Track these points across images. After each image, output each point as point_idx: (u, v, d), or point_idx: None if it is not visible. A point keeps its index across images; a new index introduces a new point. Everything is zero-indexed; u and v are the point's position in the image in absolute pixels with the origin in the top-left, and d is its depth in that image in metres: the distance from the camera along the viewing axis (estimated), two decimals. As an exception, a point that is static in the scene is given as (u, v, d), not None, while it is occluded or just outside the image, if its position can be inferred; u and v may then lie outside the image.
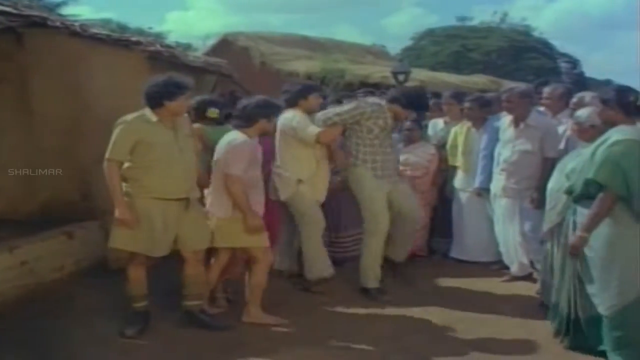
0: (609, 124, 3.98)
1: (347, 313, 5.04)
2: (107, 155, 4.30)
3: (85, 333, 4.55)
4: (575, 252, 3.93)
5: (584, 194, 3.91)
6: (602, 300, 3.85)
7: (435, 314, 5.00)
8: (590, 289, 3.93)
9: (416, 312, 5.03)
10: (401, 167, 6.04)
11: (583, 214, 3.93)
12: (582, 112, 4.56)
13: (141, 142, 4.29)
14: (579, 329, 4.08)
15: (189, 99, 4.49)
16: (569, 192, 4.07)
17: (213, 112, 5.21)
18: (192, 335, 4.54)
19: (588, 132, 4.41)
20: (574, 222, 4.02)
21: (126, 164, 4.34)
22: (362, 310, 5.04)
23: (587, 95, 5.24)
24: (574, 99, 5.37)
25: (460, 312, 5.00)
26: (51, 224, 5.81)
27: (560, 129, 5.51)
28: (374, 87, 12.50)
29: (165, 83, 4.34)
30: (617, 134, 3.82)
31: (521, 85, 6.70)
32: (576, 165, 4.08)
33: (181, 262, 4.61)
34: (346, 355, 4.27)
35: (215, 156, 4.67)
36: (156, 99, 4.33)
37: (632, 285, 3.75)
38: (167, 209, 4.41)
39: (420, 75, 17.01)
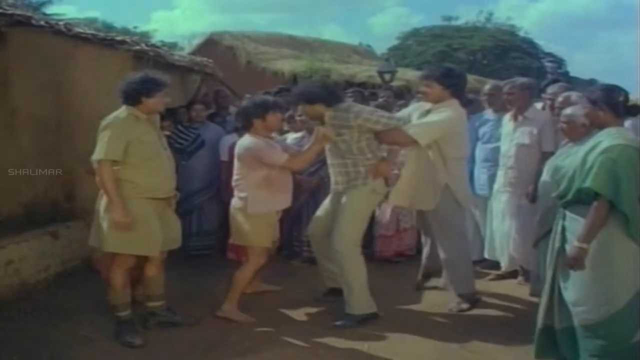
0: (597, 125, 3.89)
1: (331, 312, 5.01)
2: (100, 156, 4.20)
3: (70, 333, 4.53)
4: (576, 264, 3.74)
5: (575, 200, 3.83)
6: (588, 309, 3.77)
7: (422, 313, 5.04)
8: (571, 297, 3.86)
9: (403, 310, 5.06)
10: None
11: (572, 218, 3.86)
12: (574, 110, 4.54)
13: (133, 141, 4.24)
14: (549, 339, 4.02)
15: (165, 96, 4.43)
16: (560, 197, 3.98)
17: None
18: (175, 335, 4.54)
19: (579, 131, 4.37)
20: (563, 227, 3.95)
21: (118, 165, 4.25)
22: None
23: (573, 95, 5.26)
24: (560, 98, 5.37)
25: (446, 311, 5.03)
26: (35, 224, 5.79)
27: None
28: (360, 87, 12.52)
29: (143, 80, 4.31)
30: (607, 138, 3.73)
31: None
32: (566, 170, 3.97)
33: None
34: (330, 355, 4.27)
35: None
36: (134, 96, 4.28)
37: (621, 293, 3.70)
38: (157, 208, 4.41)
39: (406, 75, 17.04)
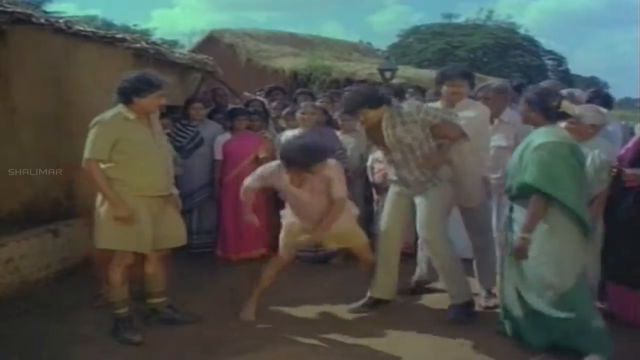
0: (531, 124, 4.18)
1: (332, 311, 5.03)
2: (87, 155, 4.21)
3: (69, 331, 4.53)
4: (519, 254, 4.06)
5: (519, 194, 4.10)
6: (535, 295, 4.04)
7: (422, 311, 5.04)
8: (519, 284, 4.12)
9: (402, 308, 5.05)
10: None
11: (519, 210, 4.12)
12: (582, 110, 4.56)
13: (121, 140, 4.23)
14: (516, 326, 4.25)
15: (160, 97, 4.38)
16: (506, 191, 4.24)
17: None
18: (176, 333, 4.53)
19: (587, 132, 4.45)
20: (510, 219, 4.21)
21: (106, 164, 4.27)
22: (346, 308, 5.03)
23: (576, 91, 5.27)
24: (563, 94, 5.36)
25: (446, 308, 5.02)
26: (35, 222, 5.79)
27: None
28: (360, 85, 12.51)
29: (137, 79, 4.28)
30: (538, 137, 4.02)
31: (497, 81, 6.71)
32: (508, 167, 4.27)
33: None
34: (330, 353, 4.26)
35: None
36: (126, 95, 4.27)
37: (564, 278, 3.94)
38: (152, 206, 4.40)
39: (406, 73, 17.03)
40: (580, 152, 4.09)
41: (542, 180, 3.93)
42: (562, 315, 3.94)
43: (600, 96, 5.61)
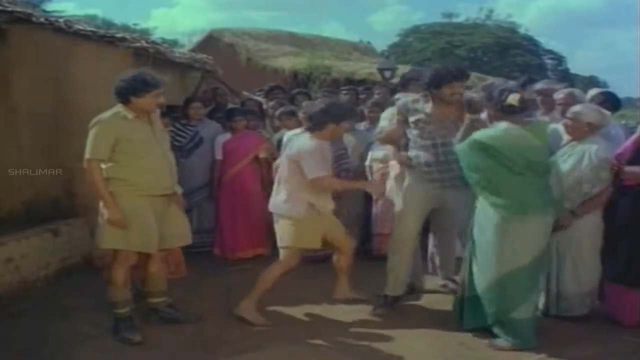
0: (495, 121, 4.34)
1: (332, 310, 5.02)
2: (87, 155, 4.21)
3: (69, 330, 4.54)
4: None
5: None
6: (479, 278, 4.32)
7: (421, 310, 5.04)
8: (476, 269, 4.37)
9: (402, 307, 5.04)
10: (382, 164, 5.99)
11: None
12: (582, 109, 4.55)
13: (121, 140, 4.22)
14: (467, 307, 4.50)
15: (158, 96, 4.36)
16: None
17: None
18: (176, 332, 4.54)
19: (582, 130, 4.44)
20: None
21: (108, 164, 4.26)
22: (346, 308, 5.03)
23: (576, 90, 5.25)
24: (560, 95, 5.31)
25: (445, 309, 5.01)
26: (35, 221, 5.79)
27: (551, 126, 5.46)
28: (360, 84, 12.51)
29: (134, 79, 4.26)
30: (478, 133, 4.25)
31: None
32: None
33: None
34: (330, 352, 4.27)
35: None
36: (123, 95, 4.26)
37: (497, 266, 4.20)
38: (155, 205, 4.39)
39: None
40: (520, 148, 4.14)
41: (465, 172, 4.30)
42: (492, 297, 4.25)
43: (610, 100, 5.47)
